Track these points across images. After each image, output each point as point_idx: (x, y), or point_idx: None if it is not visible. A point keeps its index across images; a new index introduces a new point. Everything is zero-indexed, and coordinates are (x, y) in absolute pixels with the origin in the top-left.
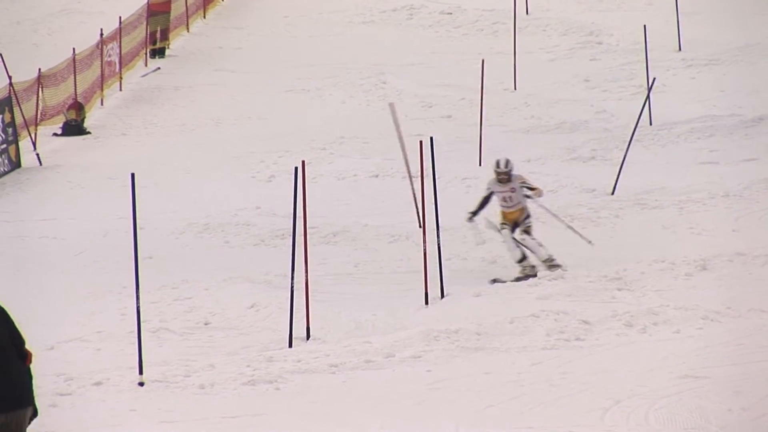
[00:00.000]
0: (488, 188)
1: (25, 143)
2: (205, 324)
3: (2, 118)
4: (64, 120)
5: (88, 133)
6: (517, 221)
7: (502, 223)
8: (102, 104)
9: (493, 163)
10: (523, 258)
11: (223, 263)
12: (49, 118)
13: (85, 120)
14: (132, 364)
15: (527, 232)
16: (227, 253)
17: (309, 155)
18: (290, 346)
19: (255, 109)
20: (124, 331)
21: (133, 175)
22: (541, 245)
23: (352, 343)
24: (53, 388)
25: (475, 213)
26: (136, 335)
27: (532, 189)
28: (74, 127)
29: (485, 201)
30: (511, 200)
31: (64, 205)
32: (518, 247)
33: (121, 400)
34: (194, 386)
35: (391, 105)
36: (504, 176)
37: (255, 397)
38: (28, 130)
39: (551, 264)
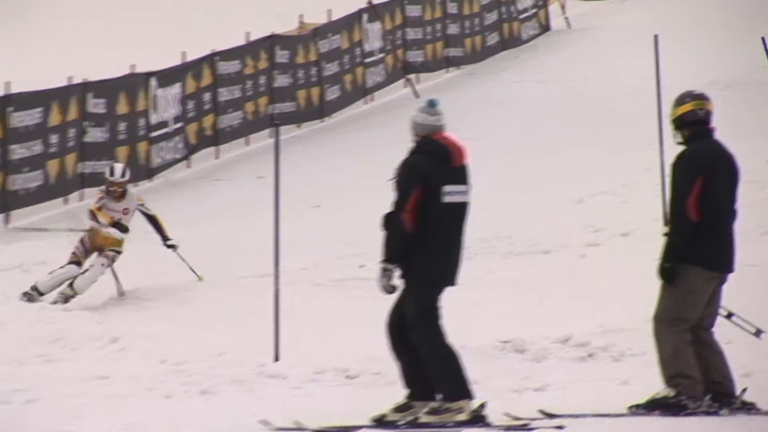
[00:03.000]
0: (98, 203)
1: (554, 8)
2: None
3: None
4: None
5: None
6: (102, 248)
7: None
8: None
9: (107, 169)
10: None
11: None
12: None
13: None
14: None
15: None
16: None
17: None
18: None
19: None
20: (649, 183)
21: (656, 37)
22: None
23: None
24: (582, 239)
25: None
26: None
27: (160, 231)
28: None
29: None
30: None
31: (591, 65)
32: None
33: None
34: None
35: None
36: (118, 189)
37: None
38: None
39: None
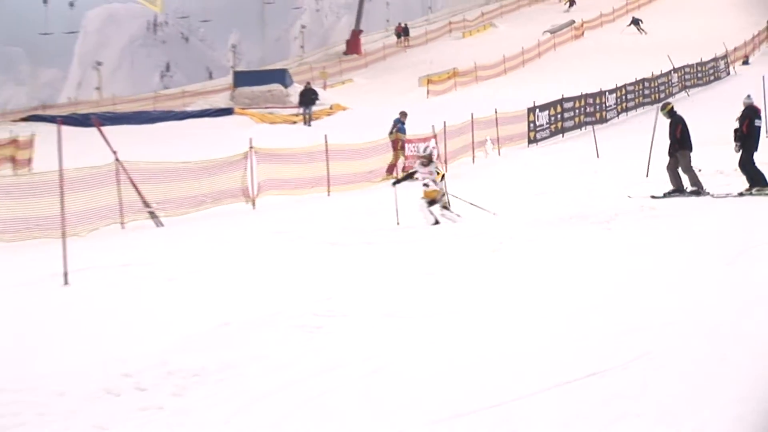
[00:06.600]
0: (415, 168)
1: None
2: None
3: None
4: None
5: None
6: (434, 199)
7: (422, 198)
8: None
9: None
10: (437, 222)
11: None
12: None
13: None
14: None
15: (446, 207)
16: None
17: None
18: None
19: None
20: None
21: None
22: (459, 216)
23: None
24: None
25: (398, 182)
26: None
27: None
28: None
29: (409, 176)
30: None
31: None
32: (432, 215)
33: None
34: None
35: None
36: (425, 160)
37: None
38: None
39: None
